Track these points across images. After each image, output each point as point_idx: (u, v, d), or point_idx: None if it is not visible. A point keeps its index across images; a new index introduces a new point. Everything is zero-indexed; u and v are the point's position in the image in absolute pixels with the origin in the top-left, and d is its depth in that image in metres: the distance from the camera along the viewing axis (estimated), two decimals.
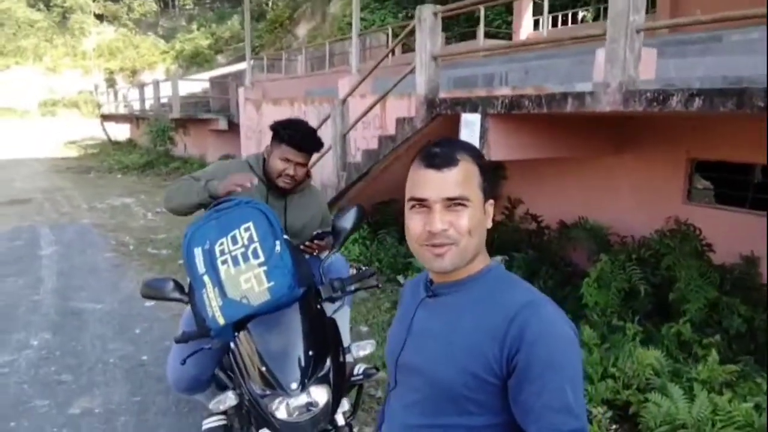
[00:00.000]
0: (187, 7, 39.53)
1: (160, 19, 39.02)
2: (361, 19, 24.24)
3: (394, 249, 5.75)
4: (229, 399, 1.86)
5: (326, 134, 6.99)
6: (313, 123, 10.43)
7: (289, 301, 1.79)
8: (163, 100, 14.92)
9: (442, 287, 1.15)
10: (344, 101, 6.08)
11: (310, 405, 1.69)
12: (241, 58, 32.68)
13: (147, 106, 16.71)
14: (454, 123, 4.71)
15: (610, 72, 3.36)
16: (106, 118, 21.15)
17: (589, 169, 5.34)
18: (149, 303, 4.76)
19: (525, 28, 14.22)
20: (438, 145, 1.11)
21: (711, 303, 3.99)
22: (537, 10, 14.15)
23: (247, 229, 1.85)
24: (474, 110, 4.29)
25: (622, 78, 3.29)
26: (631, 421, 2.83)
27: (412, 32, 5.00)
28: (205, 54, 36.16)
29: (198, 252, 1.85)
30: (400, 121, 5.11)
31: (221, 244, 1.84)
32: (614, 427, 2.80)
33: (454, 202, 1.06)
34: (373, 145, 5.85)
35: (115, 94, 21.08)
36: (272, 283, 1.75)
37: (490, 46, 8.20)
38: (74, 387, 3.38)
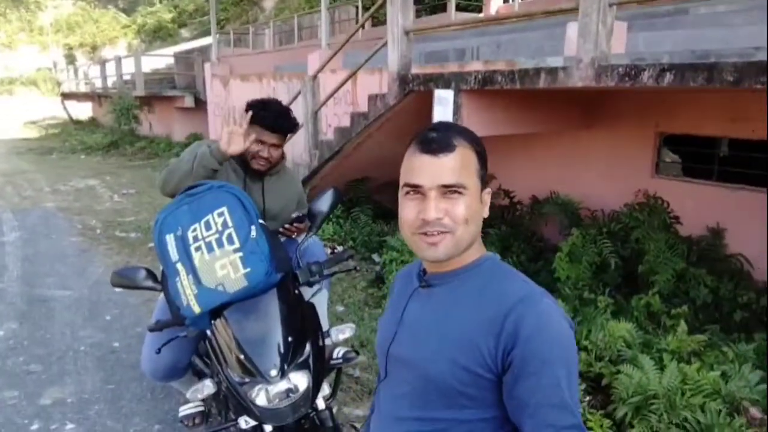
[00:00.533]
0: None
1: None
2: None
3: (368, 227, 5.73)
4: (207, 387, 1.84)
5: (297, 111, 6.88)
6: (283, 99, 10.26)
7: (266, 287, 1.76)
8: (126, 77, 14.45)
9: (435, 277, 1.13)
10: (315, 77, 5.97)
11: (290, 391, 1.68)
12: (206, 33, 31.75)
13: (109, 83, 16.18)
14: (427, 99, 4.66)
15: (582, 47, 3.35)
16: (66, 96, 20.44)
17: (561, 144, 5.38)
18: (120, 289, 4.66)
19: (495, 1, 14.14)
20: (435, 130, 1.07)
21: (678, 274, 4.10)
22: None
23: (221, 215, 1.80)
24: (447, 86, 4.26)
25: (595, 53, 3.29)
26: (604, 392, 2.90)
27: (383, 5, 4.90)
28: (169, 28, 35.04)
29: (170, 239, 1.79)
30: (372, 98, 5.05)
31: (194, 230, 1.79)
32: (588, 398, 2.87)
33: (449, 190, 1.03)
34: (345, 122, 5.77)
35: (76, 71, 20.33)
36: (249, 269, 1.71)
37: (463, 21, 8.08)
38: (44, 377, 3.30)
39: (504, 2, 14.38)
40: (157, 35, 35.07)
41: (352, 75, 5.55)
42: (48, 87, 28.09)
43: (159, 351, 1.92)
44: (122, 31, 35.82)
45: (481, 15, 13.45)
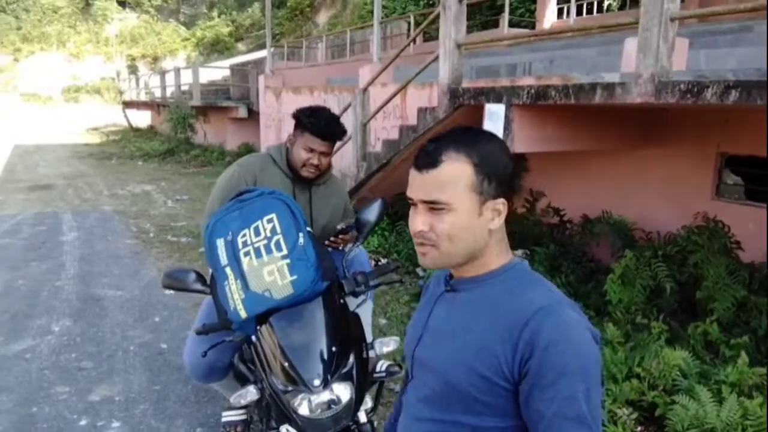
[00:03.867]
0: None
1: (181, 6, 39.15)
2: (383, 6, 24.11)
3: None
4: (251, 393, 1.84)
5: (347, 123, 6.94)
6: (333, 111, 10.30)
7: (312, 295, 1.76)
8: (184, 88, 14.97)
9: (459, 283, 1.12)
10: (365, 90, 6.01)
11: (332, 402, 1.66)
12: (262, 46, 32.66)
13: (168, 93, 16.79)
14: (478, 113, 4.62)
15: (642, 62, 3.24)
16: (127, 104, 21.33)
17: (614, 162, 5.22)
18: (170, 291, 4.79)
19: (549, 16, 13.97)
20: (433, 141, 1.05)
21: (739, 302, 3.89)
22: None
23: (270, 221, 1.81)
24: (498, 100, 4.21)
25: (655, 69, 3.18)
26: (657, 423, 2.76)
27: (435, 20, 4.91)
28: (226, 41, 36.29)
29: (220, 243, 1.82)
30: (422, 111, 5.04)
31: (244, 235, 1.81)
32: (639, 428, 2.74)
33: (433, 205, 1.02)
34: (394, 135, 5.79)
35: (137, 80, 21.22)
36: (295, 277, 1.72)
37: (515, 35, 8.02)
38: (94, 374, 3.40)
39: (558, 18, 14.23)
40: (215, 48, 36.34)
41: (403, 88, 5.57)
42: (111, 95, 29.44)
43: (205, 354, 1.94)
44: (182, 44, 37.29)
45: (534, 30, 13.30)
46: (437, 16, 4.77)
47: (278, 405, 1.70)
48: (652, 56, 3.19)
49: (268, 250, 1.77)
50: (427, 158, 1.02)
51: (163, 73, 16.78)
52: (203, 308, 2.34)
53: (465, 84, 4.69)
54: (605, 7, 14.73)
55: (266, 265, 1.74)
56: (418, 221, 1.04)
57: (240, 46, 35.94)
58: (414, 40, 13.92)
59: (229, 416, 2.54)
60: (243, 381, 2.50)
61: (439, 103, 4.81)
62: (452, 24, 4.56)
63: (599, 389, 0.98)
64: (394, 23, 16.23)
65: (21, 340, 3.80)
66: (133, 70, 33.95)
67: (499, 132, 4.22)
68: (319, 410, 1.65)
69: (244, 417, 2.53)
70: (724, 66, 4.84)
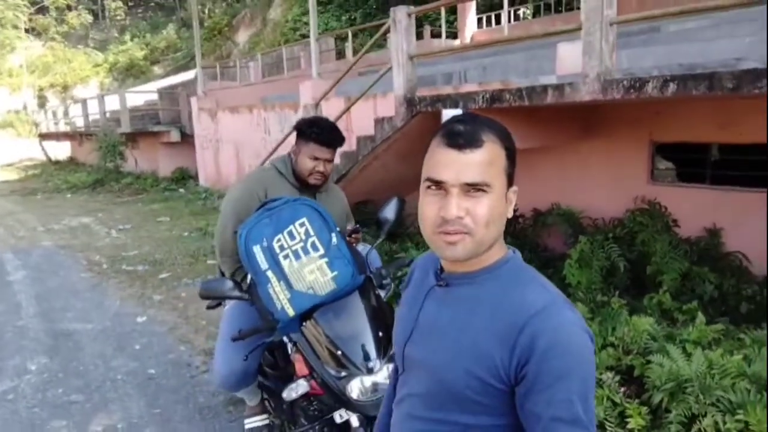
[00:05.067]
0: (119, 17, 38.25)
1: (90, 32, 37.55)
2: (304, 23, 24.30)
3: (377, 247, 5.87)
4: (302, 386, 1.94)
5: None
6: (275, 129, 10.56)
7: (352, 289, 1.91)
8: (110, 114, 14.46)
9: (453, 277, 1.08)
10: (317, 104, 6.15)
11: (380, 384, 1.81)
12: (180, 68, 31.80)
13: (91, 121, 16.13)
14: (433, 120, 4.88)
15: (587, 63, 3.60)
16: (44, 137, 20.26)
17: (558, 158, 5.64)
18: (141, 318, 4.73)
19: (470, 26, 14.67)
20: (462, 122, 1.01)
21: (683, 273, 4.34)
22: (478, 9, 14.59)
23: (302, 225, 1.95)
24: (455, 106, 4.48)
25: (600, 69, 3.54)
26: (636, 382, 3.07)
27: (385, 34, 5.14)
28: (141, 65, 35.07)
29: (257, 250, 1.93)
30: (379, 121, 5.24)
31: (278, 240, 1.93)
32: (622, 389, 3.03)
33: (473, 188, 0.97)
34: (349, 146, 5.95)
35: (54, 111, 20.20)
36: (336, 273, 1.86)
37: (466, 45, 8.30)
38: (88, 406, 3.34)
39: (478, 28, 14.94)
40: (130, 73, 35.03)
41: (358, 99, 5.75)
42: (25, 129, 27.78)
43: (246, 358, 2.04)
44: (94, 70, 35.71)
45: (457, 41, 13.89)
46: (387, 30, 5.01)
47: (332, 392, 1.83)
48: (597, 58, 3.56)
49: (306, 252, 1.90)
50: (469, 137, 0.98)
51: (84, 101, 16.10)
52: (229, 317, 2.42)
53: (420, 93, 4.95)
54: (521, 16, 15.61)
55: (306, 265, 1.88)
56: (452, 206, 0.97)
57: (156, 69, 34.85)
58: (344, 55, 14.17)
59: (252, 423, 2.61)
60: (262, 388, 2.59)
61: (396, 112, 5.04)
62: (404, 37, 4.81)
63: (594, 390, 0.98)
64: (322, 39, 16.42)
65: None
66: (42, 101, 32.15)
67: None
68: (369, 392, 1.80)
69: (266, 422, 2.61)
70: (645, 64, 5.36)
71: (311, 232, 1.93)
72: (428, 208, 1.00)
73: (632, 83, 3.41)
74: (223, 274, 2.98)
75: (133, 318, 4.75)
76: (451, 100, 4.51)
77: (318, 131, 2.41)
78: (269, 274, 1.89)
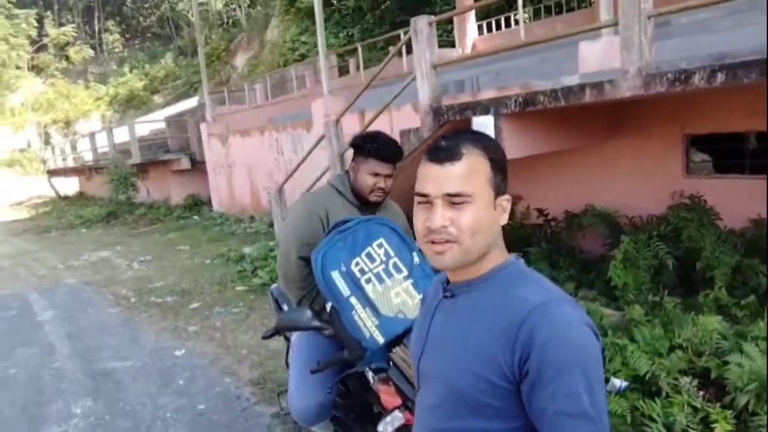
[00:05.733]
0: (117, 50, 38.59)
1: (89, 66, 37.85)
2: (302, 42, 24.42)
3: None
4: (397, 419, 1.83)
5: (321, 157, 6.92)
6: (288, 149, 10.47)
7: None
8: (119, 146, 14.47)
9: (457, 287, 1.13)
10: (338, 121, 6.08)
11: None
12: (181, 96, 31.94)
13: (98, 154, 16.16)
14: (463, 128, 4.80)
15: (627, 59, 3.51)
16: (52, 173, 20.31)
17: (587, 158, 5.54)
18: (179, 352, 4.62)
19: (470, 34, 14.67)
20: (446, 138, 1.08)
21: (734, 267, 4.21)
22: (477, 16, 14.59)
23: (380, 245, 1.85)
24: (486, 113, 4.40)
25: (640, 63, 3.45)
26: (715, 384, 2.94)
27: (402, 43, 5.05)
28: (141, 96, 35.30)
29: (336, 276, 1.83)
30: (405, 133, 5.16)
31: (357, 264, 1.83)
32: (701, 393, 2.90)
33: (456, 198, 1.03)
34: None
35: (61, 147, 20.27)
36: (423, 294, 1.76)
37: (491, 48, 8.18)
38: None
39: (479, 35, 14.93)
40: (130, 104, 35.26)
41: (381, 112, 5.66)
42: (33, 167, 27.90)
43: (330, 390, 1.93)
44: (95, 104, 35.95)
45: (457, 49, 13.87)
46: (408, 40, 4.95)
47: None
48: (636, 52, 3.46)
49: (388, 274, 1.80)
50: (448, 152, 1.04)
51: (92, 135, 16.14)
52: (300, 348, 2.31)
53: (446, 101, 4.87)
54: (522, 21, 15.59)
55: (391, 288, 1.78)
56: (437, 217, 1.03)
57: (156, 98, 35.08)
58: (348, 71, 14.16)
59: None
60: (334, 420, 2.47)
61: (422, 122, 4.96)
62: (426, 46, 4.74)
63: (602, 382, 0.99)
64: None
65: (45, 430, 3.55)
66: (46, 138, 32.35)
67: None
68: None
69: None
70: (663, 57, 5.27)
71: (391, 253, 1.84)
72: (418, 221, 1.08)
73: (677, 76, 3.32)
74: (277, 303, 2.89)
75: (171, 352, 4.65)
76: (482, 107, 4.43)
77: (377, 146, 2.32)
78: (353, 300, 1.79)
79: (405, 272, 1.80)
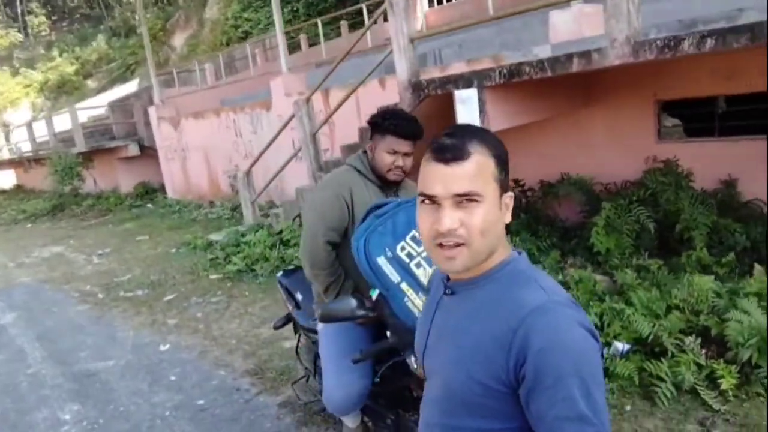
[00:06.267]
0: (43, 33, 36.24)
1: (14, 51, 35.42)
2: (245, 19, 23.64)
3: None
4: None
5: (291, 137, 6.71)
6: (247, 130, 10.23)
7: None
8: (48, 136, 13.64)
9: (457, 285, 1.12)
10: (308, 100, 5.90)
11: None
12: (117, 80, 30.38)
13: (37, 144, 15.22)
14: (443, 102, 4.74)
15: (615, 27, 3.51)
16: None
17: (560, 127, 5.60)
18: (164, 347, 4.45)
19: (419, 7, 14.57)
20: (450, 135, 1.04)
21: (711, 227, 4.37)
22: None
23: None
24: (469, 86, 4.35)
25: (629, 31, 3.47)
26: (716, 342, 3.05)
27: (378, 14, 4.92)
28: (73, 81, 33.40)
29: (383, 261, 1.75)
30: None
31: (402, 248, 1.77)
32: (704, 351, 3.00)
33: (465, 199, 1.00)
34: (348, 138, 5.76)
35: None
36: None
37: (477, 20, 7.94)
38: None
39: (429, 7, 14.83)
40: (62, 90, 33.33)
41: (356, 89, 5.52)
42: None
43: (378, 378, 1.87)
44: (24, 92, 33.79)
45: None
46: (384, 12, 4.82)
47: None
48: (624, 20, 3.47)
49: None
50: (456, 150, 1.00)
51: (29, 124, 15.15)
52: (332, 337, 2.22)
53: (427, 75, 4.79)
54: None
55: None
56: (446, 219, 0.99)
57: (90, 83, 33.29)
58: (307, 46, 13.80)
59: None
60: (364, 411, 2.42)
61: (401, 97, 4.87)
62: (403, 19, 4.63)
63: (601, 384, 0.97)
64: (271, 34, 15.98)
65: None
66: None
67: (474, 116, 4.37)
68: None
69: None
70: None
71: None
72: (423, 222, 1.04)
73: (667, 42, 3.36)
74: (288, 291, 2.79)
75: (155, 347, 4.46)
76: (464, 80, 4.37)
77: (395, 123, 2.24)
78: (403, 286, 1.72)
79: None
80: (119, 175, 13.39)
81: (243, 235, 6.73)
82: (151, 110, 11.60)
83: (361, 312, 1.87)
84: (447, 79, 4.56)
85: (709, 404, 2.77)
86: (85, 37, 35.00)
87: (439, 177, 1.00)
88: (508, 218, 1.07)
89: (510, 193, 1.07)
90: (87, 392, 3.85)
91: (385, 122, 2.25)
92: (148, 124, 12.20)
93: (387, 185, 2.31)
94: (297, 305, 2.69)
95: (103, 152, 13.07)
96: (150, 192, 13.03)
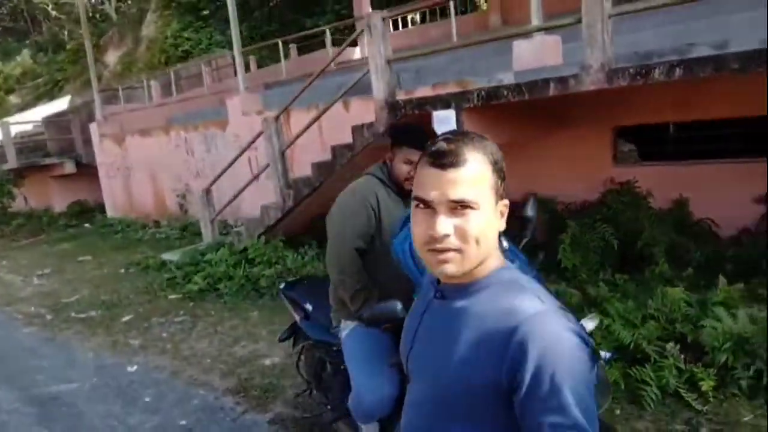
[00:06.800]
0: None
1: None
2: (186, 39, 23.24)
3: None
4: None
5: (258, 154, 6.59)
6: (200, 149, 10.06)
7: None
8: None
9: (448, 289, 1.10)
10: (277, 118, 5.87)
11: None
12: (42, 96, 28.85)
13: None
14: (417, 122, 4.86)
15: (591, 55, 3.76)
16: None
17: (527, 150, 5.84)
18: (131, 368, 4.23)
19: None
20: (447, 140, 1.03)
21: (670, 244, 4.68)
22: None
23: None
24: (447, 107, 4.49)
25: (603, 59, 3.73)
26: (692, 348, 3.25)
27: (354, 36, 4.99)
28: None
29: None
30: (358, 128, 5.12)
31: None
32: (683, 356, 3.20)
33: (460, 205, 0.99)
34: (310, 158, 5.76)
35: None
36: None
37: (441, 46, 8.07)
38: None
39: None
40: None
41: (327, 109, 5.55)
42: None
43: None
44: None
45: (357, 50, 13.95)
46: (359, 34, 4.91)
47: None
48: (599, 49, 3.73)
49: None
50: (452, 157, 0.99)
51: None
52: (359, 342, 2.21)
53: (403, 96, 4.90)
54: (410, 21, 16.01)
55: None
56: (441, 225, 0.99)
57: (13, 99, 31.47)
58: (256, 68, 13.69)
59: None
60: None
61: (377, 117, 4.95)
62: (380, 41, 4.75)
63: (591, 391, 0.97)
64: (219, 54, 15.87)
65: None
66: None
67: None
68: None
69: None
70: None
71: None
72: (417, 227, 1.03)
73: (638, 70, 3.63)
74: (294, 302, 2.75)
75: (121, 368, 4.23)
76: (442, 101, 4.52)
77: (411, 135, 2.31)
78: None
79: None
80: (53, 193, 12.67)
81: (203, 254, 6.53)
82: (93, 126, 11.12)
83: (404, 314, 1.89)
84: (424, 100, 4.70)
85: (693, 405, 2.95)
86: (8, 51, 33.15)
87: (435, 182, 0.99)
88: (502, 226, 1.06)
89: (505, 201, 1.06)
90: (52, 416, 3.60)
91: (401, 135, 2.33)
92: (87, 141, 11.66)
93: (406, 194, 2.36)
94: (306, 316, 2.66)
95: (35, 169, 12.34)
96: (86, 211, 12.39)
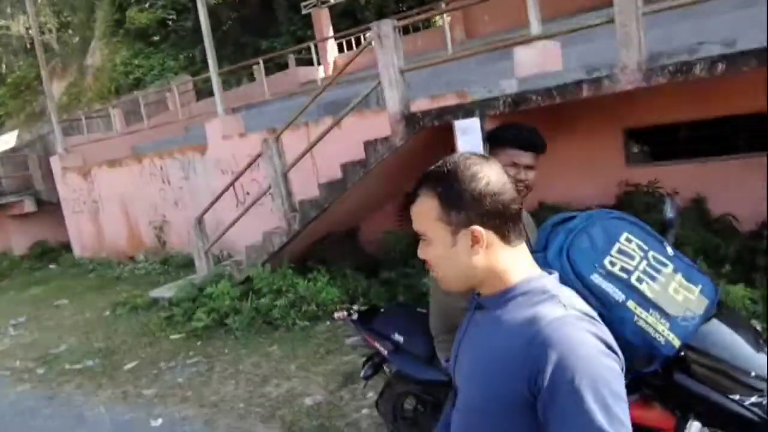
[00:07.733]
0: None
1: None
2: (137, 65, 22.51)
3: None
4: (695, 427, 1.64)
5: (255, 178, 6.27)
6: (177, 177, 9.66)
7: (717, 300, 1.66)
8: None
9: (483, 300, 1.14)
10: (278, 138, 5.58)
11: None
12: None
13: None
14: (436, 134, 4.69)
15: (626, 54, 3.69)
16: None
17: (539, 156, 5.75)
18: (155, 422, 3.84)
19: (330, 52, 14.80)
20: (419, 178, 1.14)
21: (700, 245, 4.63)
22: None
23: (628, 240, 1.64)
24: (469, 115, 4.34)
25: (639, 58, 3.65)
26: None
27: (363, 46, 4.82)
28: None
29: (599, 279, 1.57)
30: (371, 143, 4.90)
31: (612, 263, 1.60)
32: None
33: (422, 236, 1.12)
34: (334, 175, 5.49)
35: None
36: (699, 286, 1.61)
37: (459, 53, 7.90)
38: None
39: (339, 53, 15.08)
40: None
41: (337, 123, 5.30)
42: None
43: None
44: None
45: (321, 68, 13.84)
46: (367, 45, 4.72)
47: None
48: (635, 48, 3.66)
49: (655, 270, 1.60)
50: (412, 194, 1.13)
51: None
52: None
53: (420, 107, 4.72)
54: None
55: (666, 285, 1.59)
56: (419, 250, 1.15)
57: None
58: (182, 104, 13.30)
59: None
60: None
61: (393, 131, 4.75)
62: (393, 52, 4.57)
63: (620, 398, 0.95)
64: (179, 78, 15.37)
65: None
66: None
67: (477, 144, 4.34)
68: None
69: None
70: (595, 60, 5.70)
71: (644, 246, 1.64)
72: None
73: (679, 67, 3.57)
74: (379, 334, 2.50)
75: (144, 424, 3.83)
76: (465, 110, 4.37)
77: (515, 133, 2.11)
78: (630, 305, 1.55)
79: (670, 265, 1.62)
80: (11, 234, 11.84)
81: (201, 289, 6.12)
82: (54, 160, 10.46)
83: None
84: (444, 109, 4.53)
85: None
86: None
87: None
88: (477, 251, 1.05)
89: (474, 227, 1.04)
90: None
91: (504, 133, 2.11)
92: (46, 175, 10.97)
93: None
94: (396, 348, 2.40)
95: None
96: (49, 252, 11.63)
